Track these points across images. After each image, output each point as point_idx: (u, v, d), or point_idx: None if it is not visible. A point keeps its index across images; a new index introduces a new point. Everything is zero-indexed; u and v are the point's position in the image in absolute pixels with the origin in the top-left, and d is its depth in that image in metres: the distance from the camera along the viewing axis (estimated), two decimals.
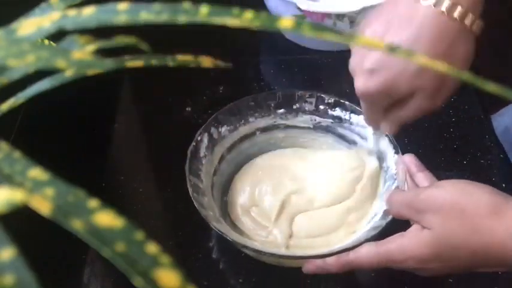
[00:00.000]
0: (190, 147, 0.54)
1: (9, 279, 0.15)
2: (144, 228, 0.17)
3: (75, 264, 0.55)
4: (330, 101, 0.59)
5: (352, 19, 0.69)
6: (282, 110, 0.59)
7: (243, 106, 0.59)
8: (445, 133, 0.65)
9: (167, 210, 0.52)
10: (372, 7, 0.67)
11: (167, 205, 0.52)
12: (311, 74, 0.74)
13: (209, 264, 0.54)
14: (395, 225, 0.47)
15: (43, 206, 0.17)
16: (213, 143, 0.56)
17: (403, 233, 0.43)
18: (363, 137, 0.58)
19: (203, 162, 0.55)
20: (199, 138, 0.55)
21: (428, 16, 0.44)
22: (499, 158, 0.63)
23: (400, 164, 0.52)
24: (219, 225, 0.49)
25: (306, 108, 0.60)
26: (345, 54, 0.76)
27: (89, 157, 0.64)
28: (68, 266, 0.55)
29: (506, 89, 0.17)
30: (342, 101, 0.58)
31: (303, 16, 0.70)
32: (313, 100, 0.59)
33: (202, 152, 0.55)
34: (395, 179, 0.53)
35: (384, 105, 0.49)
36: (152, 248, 0.16)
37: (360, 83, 0.47)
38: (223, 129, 0.58)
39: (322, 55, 0.76)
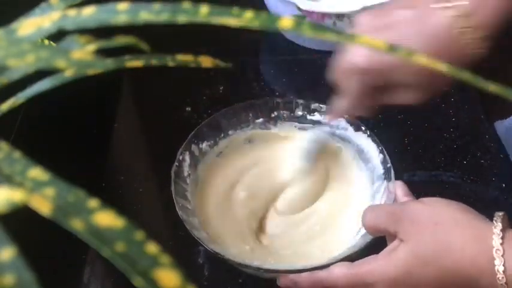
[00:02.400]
0: (173, 168, 0.53)
1: (9, 279, 0.15)
2: (144, 228, 0.17)
3: (75, 264, 0.55)
4: (307, 106, 0.59)
5: (352, 19, 0.69)
6: (260, 120, 0.59)
7: (221, 119, 0.58)
8: (445, 133, 0.65)
9: (167, 210, 0.52)
10: (372, 7, 0.67)
11: (167, 205, 0.51)
12: (311, 74, 0.74)
13: (209, 264, 0.54)
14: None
15: (43, 206, 0.17)
16: (195, 160, 0.56)
17: (376, 255, 0.43)
18: (344, 140, 0.58)
19: (188, 181, 0.54)
20: (181, 157, 0.54)
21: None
22: (499, 158, 0.63)
23: (389, 192, 0.51)
24: (213, 246, 0.48)
25: (285, 116, 0.59)
26: None
27: (89, 157, 0.64)
28: (68, 266, 0.55)
29: (507, 89, 0.17)
30: (320, 105, 0.58)
31: (303, 16, 0.70)
32: (291, 106, 0.59)
33: (186, 171, 0.54)
34: (384, 179, 0.52)
35: (369, 88, 0.47)
36: (152, 248, 0.16)
37: (359, 55, 0.44)
38: (204, 145, 0.57)
39: (322, 55, 0.76)
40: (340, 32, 0.19)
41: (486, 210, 0.59)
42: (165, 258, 0.16)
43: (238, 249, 0.52)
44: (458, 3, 0.42)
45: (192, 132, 0.56)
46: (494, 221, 0.40)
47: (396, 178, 0.52)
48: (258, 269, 0.47)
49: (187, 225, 0.48)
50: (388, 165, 0.52)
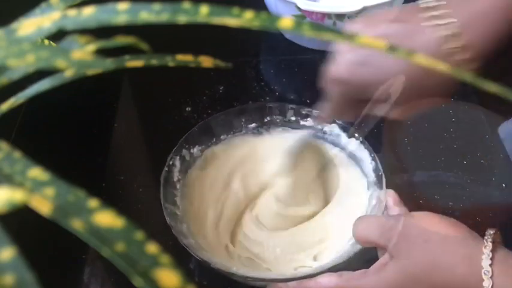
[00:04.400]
0: (163, 173, 0.52)
1: (9, 279, 0.15)
2: (144, 228, 0.17)
3: (75, 264, 0.55)
4: (299, 111, 0.58)
5: (352, 19, 0.69)
6: (253, 125, 0.59)
7: (214, 124, 0.58)
8: (445, 133, 0.65)
9: None
10: (372, 7, 0.67)
11: None
12: (311, 74, 0.74)
13: (209, 264, 0.54)
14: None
15: (43, 206, 0.17)
16: (185, 165, 0.55)
17: (366, 270, 0.43)
18: (336, 146, 0.57)
19: (177, 187, 0.54)
20: (171, 162, 0.54)
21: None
22: (499, 158, 0.63)
23: (379, 201, 0.51)
24: (200, 253, 0.48)
25: (278, 121, 0.59)
26: None
27: (89, 157, 0.64)
28: (68, 266, 0.55)
29: (506, 89, 0.17)
30: (314, 110, 0.58)
31: (303, 16, 0.70)
32: (284, 111, 0.59)
33: (176, 176, 0.54)
34: (376, 187, 0.52)
35: (351, 99, 0.48)
36: (152, 248, 0.16)
37: (342, 68, 0.45)
38: (195, 150, 0.57)
39: (322, 55, 0.76)
40: (340, 32, 0.19)
41: (486, 211, 0.59)
42: (165, 258, 0.16)
43: (225, 256, 0.52)
44: (448, 20, 0.41)
45: (183, 137, 0.56)
46: (485, 240, 0.40)
47: (396, 178, 0.52)
48: (245, 277, 0.47)
49: (174, 232, 0.48)
50: (380, 173, 0.52)
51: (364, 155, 0.54)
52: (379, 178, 0.52)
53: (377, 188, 0.52)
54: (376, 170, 0.52)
